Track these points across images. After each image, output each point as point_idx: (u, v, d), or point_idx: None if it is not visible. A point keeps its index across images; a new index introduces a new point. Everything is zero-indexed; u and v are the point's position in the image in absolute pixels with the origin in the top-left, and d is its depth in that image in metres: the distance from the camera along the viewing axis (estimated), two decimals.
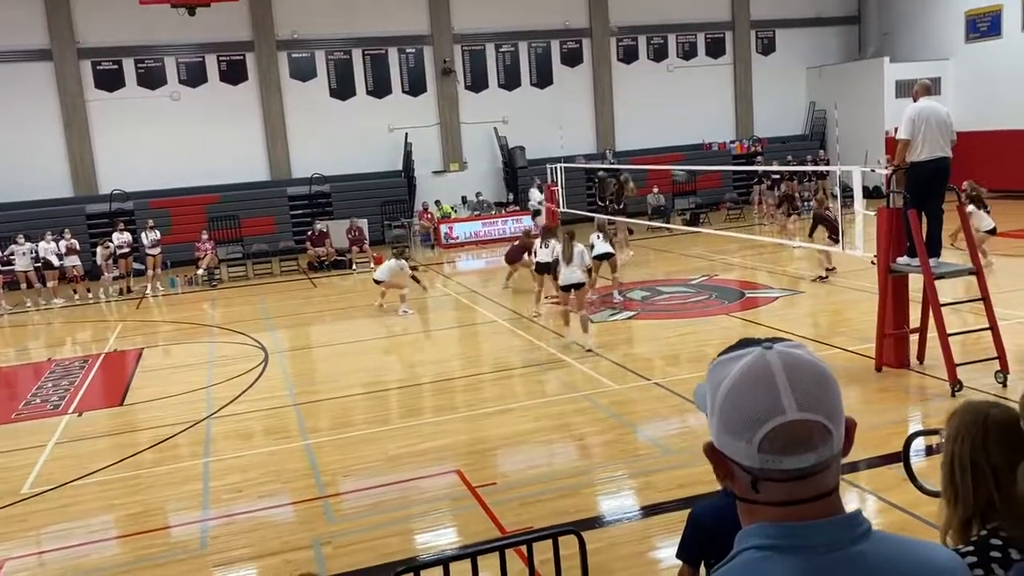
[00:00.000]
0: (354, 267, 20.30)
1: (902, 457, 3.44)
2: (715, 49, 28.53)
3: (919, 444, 6.13)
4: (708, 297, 13.87)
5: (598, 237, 14.01)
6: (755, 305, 13.08)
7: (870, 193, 18.72)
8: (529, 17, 26.21)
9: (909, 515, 5.51)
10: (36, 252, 18.43)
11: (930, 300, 8.36)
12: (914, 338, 9.04)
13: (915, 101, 8.64)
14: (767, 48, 29.19)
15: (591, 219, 15.74)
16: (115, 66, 23.34)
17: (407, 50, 25.57)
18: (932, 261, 8.49)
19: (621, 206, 17.53)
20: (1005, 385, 7.93)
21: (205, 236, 20.28)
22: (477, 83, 26.31)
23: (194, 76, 23.97)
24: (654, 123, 27.28)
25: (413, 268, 14.75)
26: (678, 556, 3.07)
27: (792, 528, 1.18)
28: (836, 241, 13.08)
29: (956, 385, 7.92)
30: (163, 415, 9.56)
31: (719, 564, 1.24)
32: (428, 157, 25.68)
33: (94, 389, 11.13)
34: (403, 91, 25.65)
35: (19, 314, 17.54)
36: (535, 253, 13.35)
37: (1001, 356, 8.11)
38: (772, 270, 15.96)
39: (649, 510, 6.21)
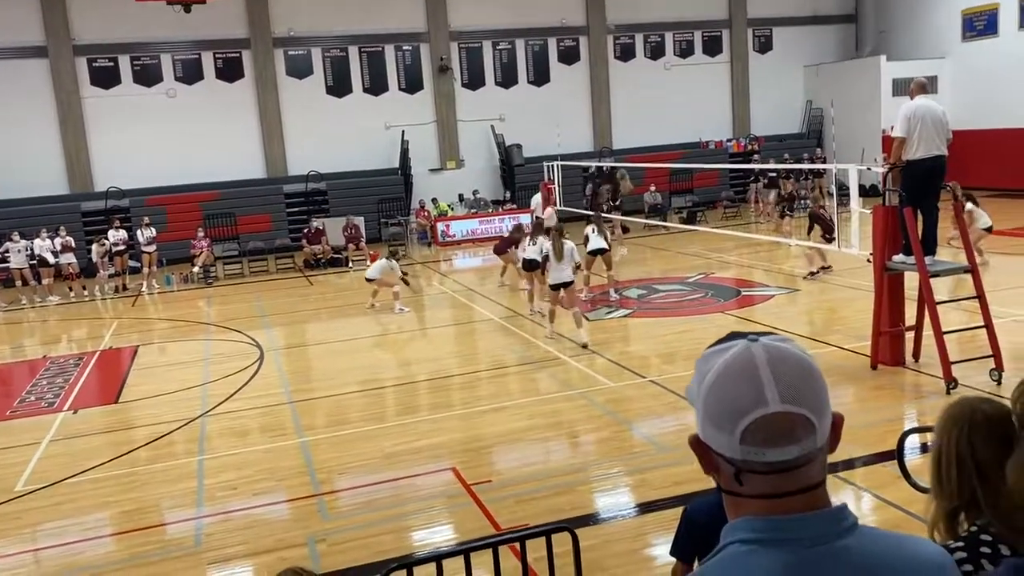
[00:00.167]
0: (350, 265, 20.28)
1: (896, 454, 3.45)
2: (712, 47, 28.53)
3: (913, 441, 6.14)
4: (704, 295, 13.88)
5: (593, 231, 13.96)
6: (751, 303, 13.09)
7: (866, 191, 18.76)
8: (526, 15, 26.20)
9: (903, 512, 5.51)
10: (31, 249, 18.39)
11: (925, 298, 8.37)
12: (910, 336, 9.04)
13: (912, 99, 8.65)
14: (764, 46, 29.20)
15: (588, 217, 15.71)
16: (111, 63, 23.29)
17: (404, 47, 25.54)
18: (928, 259, 8.50)
19: (618, 202, 17.48)
20: (1000, 383, 7.93)
21: (201, 234, 20.24)
22: (474, 81, 26.29)
23: (190, 73, 23.92)
24: (651, 121, 27.29)
25: (404, 274, 14.69)
26: (672, 553, 3.07)
27: (777, 522, 1.18)
28: (830, 240, 13.10)
29: (951, 383, 7.93)
30: (158, 413, 9.54)
31: (706, 558, 1.24)
32: (425, 155, 25.65)
33: (89, 387, 11.11)
34: (400, 88, 25.62)
35: (14, 311, 17.51)
36: (524, 250, 13.27)
37: (996, 354, 8.11)
38: (768, 268, 15.97)
39: (644, 507, 6.21)
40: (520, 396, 9.28)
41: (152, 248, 19.36)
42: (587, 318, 12.68)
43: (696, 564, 2.98)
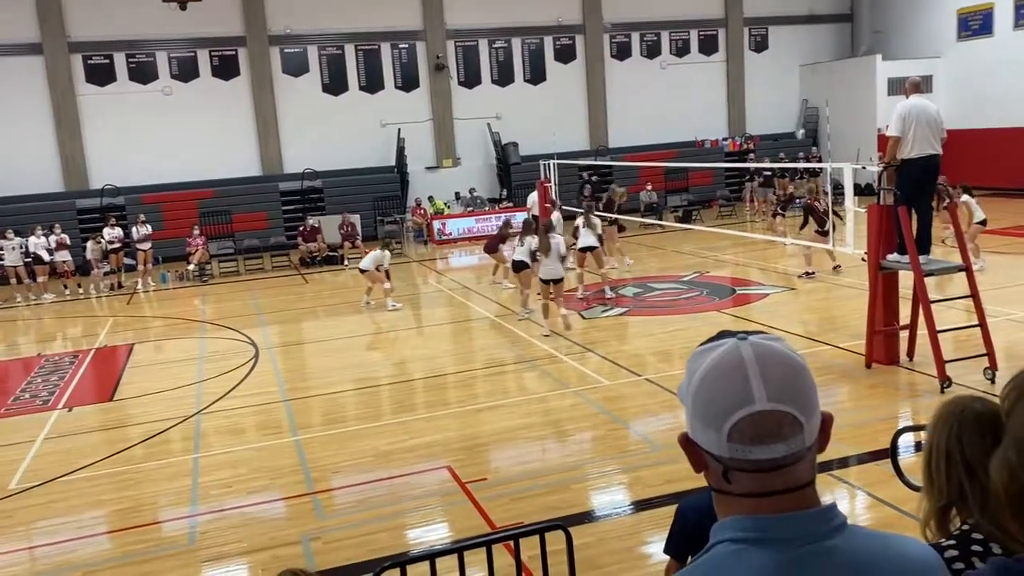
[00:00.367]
0: (346, 263, 20.26)
1: (890, 453, 3.46)
2: (708, 46, 28.55)
3: (907, 440, 6.15)
4: (699, 294, 13.89)
5: (584, 225, 13.96)
6: (746, 302, 13.11)
7: (862, 190, 18.84)
8: (522, 13, 26.19)
9: (896, 510, 5.53)
10: (26, 247, 18.34)
11: (920, 297, 8.39)
12: (904, 335, 9.07)
13: (907, 98, 8.67)
14: (760, 45, 29.23)
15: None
16: (106, 60, 23.23)
17: (400, 45, 25.51)
18: (922, 258, 8.52)
19: (614, 218, 17.20)
20: (994, 382, 7.95)
21: (196, 231, 20.21)
22: (470, 79, 26.28)
23: (186, 71, 23.87)
24: (647, 120, 27.31)
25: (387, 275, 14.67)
26: (665, 551, 3.07)
27: (766, 521, 1.18)
28: (824, 234, 13.09)
29: (945, 381, 7.95)
30: (153, 411, 9.53)
31: (695, 557, 1.24)
32: (421, 153, 25.64)
33: (84, 385, 11.09)
34: (396, 86, 25.60)
35: (9, 309, 17.46)
36: (514, 250, 13.19)
37: (990, 353, 8.14)
38: (763, 267, 15.99)
39: (638, 505, 6.22)
40: (515, 394, 9.29)
41: (147, 246, 19.33)
42: (583, 316, 12.71)
43: (690, 562, 2.98)
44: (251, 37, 24.12)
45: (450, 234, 23.37)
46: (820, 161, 24.26)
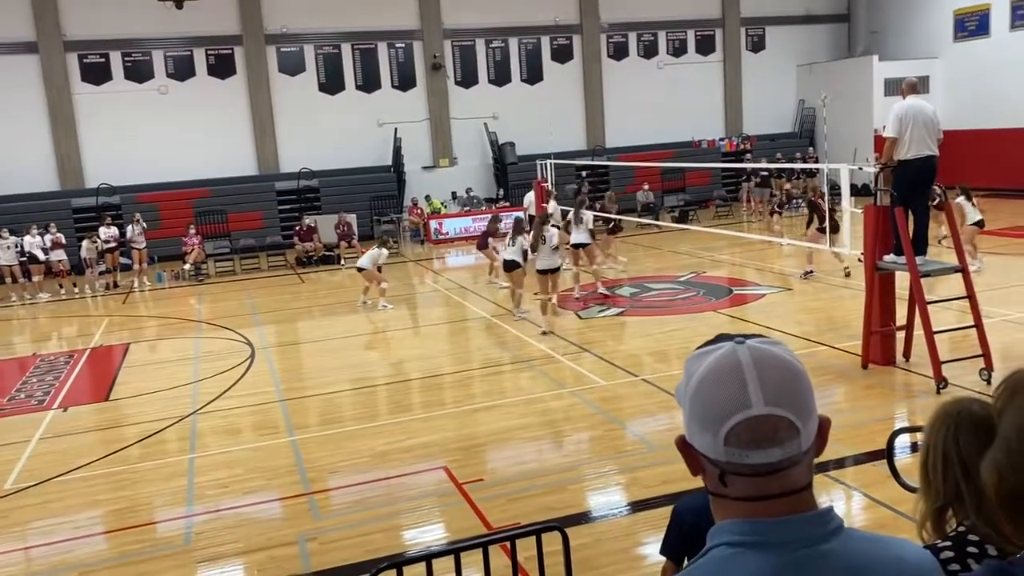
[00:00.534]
0: (342, 262, 20.24)
1: (886, 454, 3.46)
2: (705, 46, 28.57)
3: (903, 441, 6.16)
4: (696, 294, 13.90)
5: (575, 221, 13.97)
6: (743, 302, 13.11)
7: (858, 191, 18.83)
8: (519, 13, 26.18)
9: (892, 511, 5.53)
10: (21, 246, 18.30)
11: (916, 298, 8.40)
12: (900, 335, 9.08)
13: (903, 99, 8.68)
14: (757, 45, 29.25)
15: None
16: (102, 59, 23.18)
17: (397, 45, 25.49)
18: (918, 259, 8.53)
19: (611, 224, 17.09)
20: (990, 382, 7.96)
21: (192, 231, 20.18)
22: (467, 79, 26.26)
23: (182, 70, 23.83)
24: (644, 120, 27.31)
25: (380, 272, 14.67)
26: (662, 552, 3.07)
27: (763, 525, 1.18)
28: (824, 232, 13.07)
29: (941, 382, 7.96)
30: (149, 411, 9.51)
31: (692, 560, 1.24)
32: (418, 152, 25.62)
33: (79, 384, 11.06)
34: (392, 86, 25.58)
35: (4, 309, 17.41)
36: (504, 250, 13.12)
37: (986, 354, 8.15)
38: (760, 267, 16.01)
39: (635, 506, 6.22)
40: (512, 394, 9.28)
41: (142, 245, 19.29)
42: (580, 316, 12.71)
43: (686, 563, 2.98)
44: (247, 36, 24.08)
45: (447, 234, 23.36)
46: (816, 161, 24.30)
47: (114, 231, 19.54)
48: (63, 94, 22.75)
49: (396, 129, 24.83)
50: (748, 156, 27.25)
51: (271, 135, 24.56)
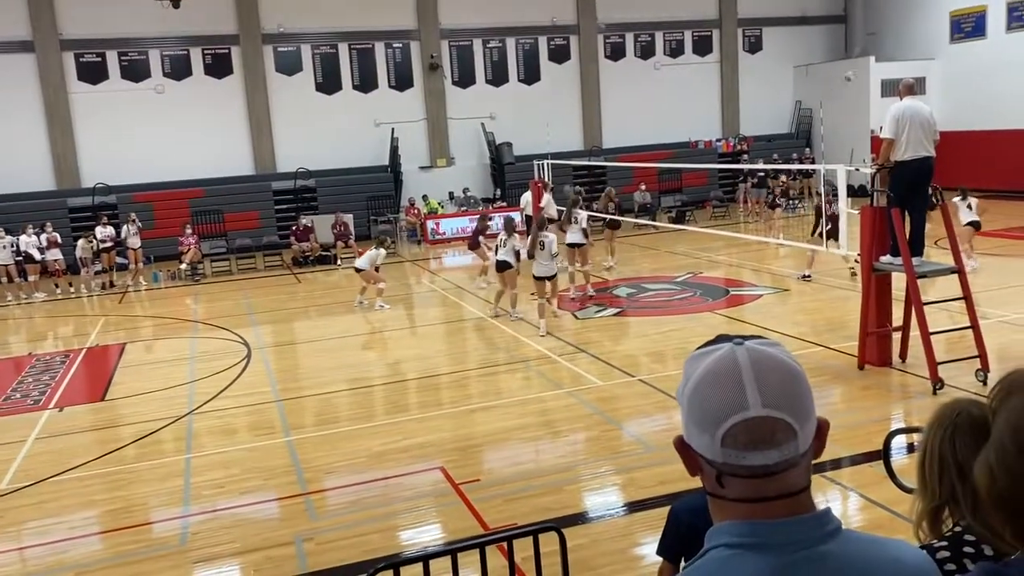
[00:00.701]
0: (339, 262, 20.22)
1: (882, 454, 3.46)
2: (702, 47, 28.59)
3: (900, 442, 6.16)
4: (693, 294, 13.90)
5: (574, 220, 13.97)
6: (740, 303, 13.12)
7: (855, 192, 18.86)
8: (516, 13, 26.19)
9: (889, 512, 5.54)
10: (17, 246, 18.26)
11: (912, 299, 8.41)
12: (897, 336, 9.09)
13: (900, 100, 8.69)
14: (754, 46, 29.28)
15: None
16: (98, 58, 23.14)
17: (394, 45, 25.48)
18: (915, 260, 8.54)
19: (609, 220, 17.07)
20: (986, 384, 7.97)
21: (188, 230, 20.15)
22: (464, 79, 26.26)
23: (178, 69, 23.80)
24: (641, 120, 27.33)
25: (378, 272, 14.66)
26: (658, 552, 3.06)
27: (761, 526, 1.18)
28: (823, 236, 13.05)
29: (937, 383, 7.97)
30: (145, 411, 9.49)
31: (690, 561, 1.23)
32: (415, 152, 25.61)
33: (75, 384, 11.04)
34: (389, 86, 25.57)
35: None
36: (496, 250, 13.04)
37: (982, 355, 8.16)
38: (757, 268, 16.02)
39: (632, 506, 6.22)
40: (509, 395, 9.28)
41: (138, 244, 19.26)
42: (577, 317, 12.71)
43: (683, 564, 2.98)
44: (244, 35, 24.06)
45: (444, 234, 23.34)
46: (813, 162, 24.33)
47: (110, 231, 19.50)
48: (59, 93, 22.71)
49: (393, 129, 24.82)
50: (745, 157, 27.28)
51: (268, 135, 24.53)
